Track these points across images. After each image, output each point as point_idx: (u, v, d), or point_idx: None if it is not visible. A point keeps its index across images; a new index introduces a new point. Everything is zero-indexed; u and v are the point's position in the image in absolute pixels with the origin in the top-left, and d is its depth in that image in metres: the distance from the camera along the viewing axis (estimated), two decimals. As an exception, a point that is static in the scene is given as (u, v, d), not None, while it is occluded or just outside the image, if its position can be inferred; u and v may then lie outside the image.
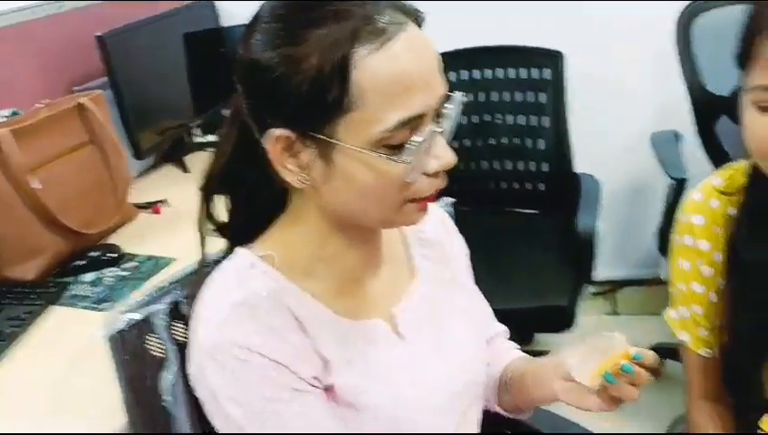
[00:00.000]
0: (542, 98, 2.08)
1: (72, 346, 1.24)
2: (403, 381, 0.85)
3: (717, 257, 0.99)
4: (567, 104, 2.05)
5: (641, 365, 0.82)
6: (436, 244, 0.97)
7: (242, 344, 0.76)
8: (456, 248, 1.02)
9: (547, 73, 2.06)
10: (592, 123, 2.16)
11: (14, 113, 1.56)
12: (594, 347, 0.83)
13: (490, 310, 1.08)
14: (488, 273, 1.95)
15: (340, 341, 0.82)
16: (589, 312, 2.54)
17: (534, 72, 2.07)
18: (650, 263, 2.40)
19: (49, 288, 1.40)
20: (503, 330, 1.10)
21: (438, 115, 0.77)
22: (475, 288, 1.05)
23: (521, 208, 2.18)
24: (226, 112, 0.83)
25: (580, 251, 1.83)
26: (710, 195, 1.00)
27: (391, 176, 0.73)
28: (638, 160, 2.20)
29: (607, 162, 2.15)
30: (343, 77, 0.69)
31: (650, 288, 2.44)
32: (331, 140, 0.72)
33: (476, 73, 2.12)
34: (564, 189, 2.03)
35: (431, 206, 0.98)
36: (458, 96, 0.78)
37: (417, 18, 0.74)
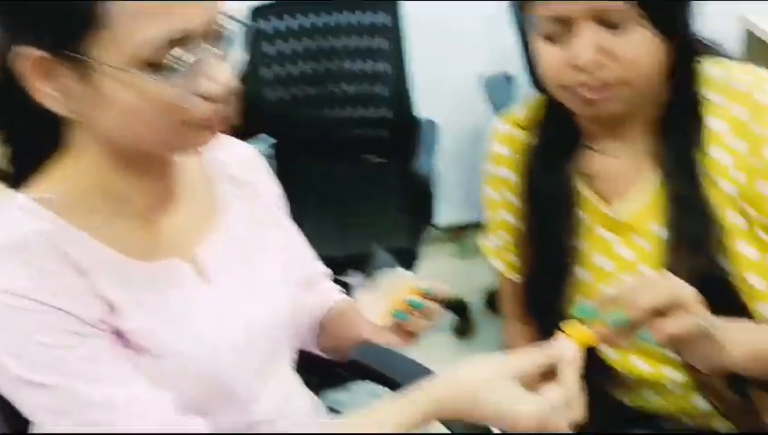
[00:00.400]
0: (381, 44, 2.07)
1: None
2: (205, 323, 0.82)
3: (521, 187, 1.02)
4: (406, 49, 2.06)
5: (432, 299, 0.83)
6: (247, 182, 0.94)
7: (9, 289, 0.71)
8: (268, 188, 0.99)
9: (385, 18, 2.05)
10: (432, 68, 2.18)
11: None
12: (385, 286, 0.84)
13: (311, 252, 1.07)
14: (331, 220, 2.00)
15: (128, 283, 0.78)
16: (438, 256, 2.61)
17: (372, 18, 2.06)
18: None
19: None
20: (325, 272, 1.09)
21: (217, 37, 0.73)
22: (293, 228, 1.04)
23: (365, 156, 2.18)
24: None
25: (420, 195, 1.86)
26: (514, 126, 1.03)
27: (157, 97, 0.69)
28: (475, 103, 2.26)
29: (447, 106, 2.18)
30: None
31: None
32: (87, 59, 0.67)
33: (315, 20, 2.07)
34: (407, 135, 2.04)
35: (232, 140, 0.95)
36: (241, 18, 0.74)
37: None
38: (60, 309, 0.72)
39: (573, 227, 0.95)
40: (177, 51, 0.68)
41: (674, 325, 0.73)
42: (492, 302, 2.31)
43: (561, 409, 0.72)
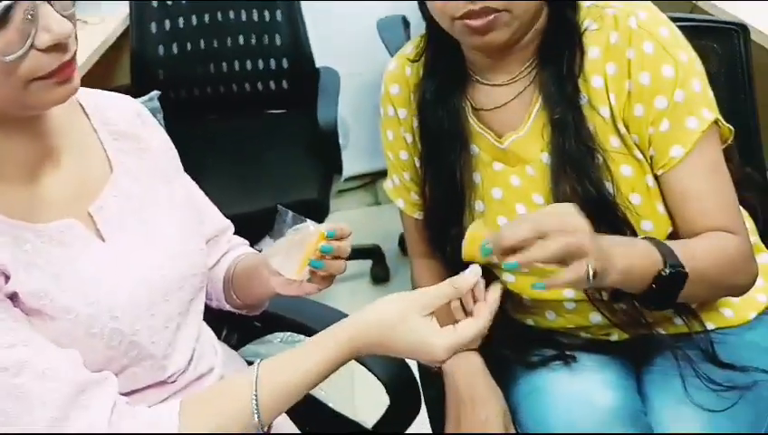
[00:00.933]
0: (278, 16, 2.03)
1: None
2: (101, 281, 0.81)
3: (415, 124, 1.03)
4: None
5: (338, 239, 0.85)
6: (133, 137, 0.92)
7: None
8: (157, 141, 0.96)
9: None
10: (329, 15, 2.14)
11: None
12: (293, 241, 0.86)
13: (213, 208, 1.06)
14: (236, 177, 1.96)
15: (15, 245, 0.75)
16: (352, 205, 2.63)
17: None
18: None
19: None
20: (228, 225, 1.08)
21: None
22: (190, 183, 1.02)
23: (266, 109, 2.14)
24: None
25: (326, 145, 1.85)
26: (404, 64, 1.03)
27: None
28: (374, 50, 2.24)
29: (345, 54, 2.16)
30: None
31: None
32: None
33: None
34: (306, 85, 2.02)
35: (117, 96, 0.91)
36: None
37: None
38: None
39: (468, 161, 0.97)
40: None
41: (569, 274, 0.75)
42: (404, 246, 2.34)
43: (475, 342, 0.76)
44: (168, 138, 0.99)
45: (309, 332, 1.12)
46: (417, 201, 1.09)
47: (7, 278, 0.74)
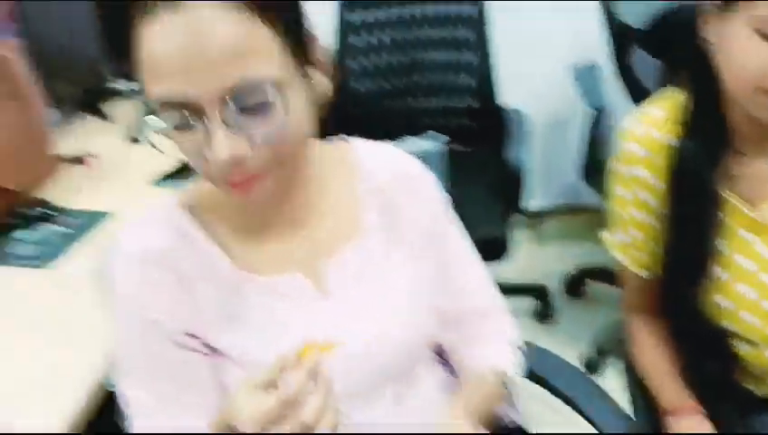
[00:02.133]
0: (467, 34, 2.10)
1: (26, 305, 1.21)
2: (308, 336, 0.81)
3: (658, 185, 1.03)
4: (491, 39, 2.08)
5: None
6: (390, 196, 0.90)
7: (120, 292, 0.81)
8: (418, 211, 0.91)
9: (470, 9, 2.08)
10: (516, 57, 2.20)
11: None
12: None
13: (477, 283, 0.99)
14: None
15: (232, 296, 0.82)
16: (516, 242, 2.65)
17: (458, 8, 2.09)
18: (572, 192, 2.52)
19: (-20, 250, 1.33)
20: (485, 310, 1.00)
21: (238, 104, 0.68)
22: (457, 253, 0.97)
23: (451, 145, 2.22)
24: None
25: (510, 183, 1.90)
26: (651, 125, 1.04)
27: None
28: (557, 92, 2.28)
29: (529, 95, 2.21)
30: (127, 36, 0.69)
31: (573, 216, 2.57)
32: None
33: (401, 11, 2.11)
34: (492, 124, 2.08)
35: (390, 150, 0.94)
36: (268, 89, 0.68)
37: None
38: (155, 320, 0.80)
39: (715, 228, 0.98)
40: (170, 113, 0.69)
41: None
42: (571, 287, 2.35)
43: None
44: (432, 204, 0.94)
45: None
46: (644, 260, 1.10)
47: (212, 329, 0.81)
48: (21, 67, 1.51)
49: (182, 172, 1.53)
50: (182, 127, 0.69)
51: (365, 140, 0.94)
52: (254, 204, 0.78)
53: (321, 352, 0.70)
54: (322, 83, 0.78)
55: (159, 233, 0.82)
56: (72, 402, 1.00)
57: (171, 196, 0.85)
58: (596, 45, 2.02)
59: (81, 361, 1.06)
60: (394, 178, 0.90)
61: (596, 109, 1.87)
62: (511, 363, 0.97)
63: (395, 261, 0.89)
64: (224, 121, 0.67)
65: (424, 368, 0.92)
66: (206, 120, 0.68)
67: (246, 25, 0.67)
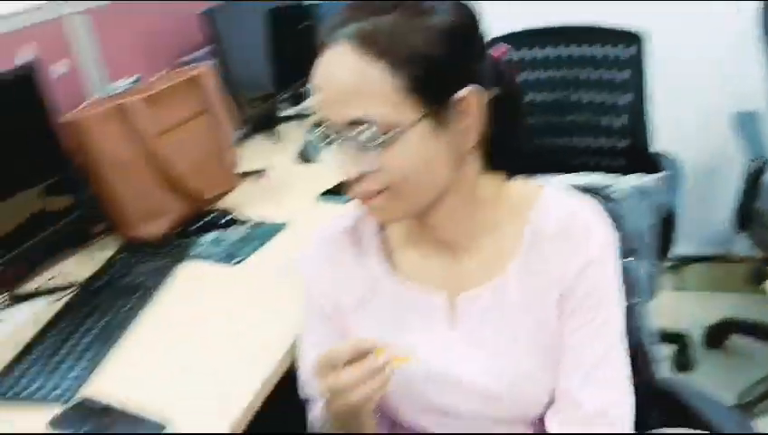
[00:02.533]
0: (623, 76, 2.12)
1: (206, 294, 1.37)
2: (432, 363, 0.89)
3: None
4: (647, 82, 2.09)
5: None
6: (551, 248, 0.87)
7: (304, 270, 0.99)
8: (575, 271, 0.86)
9: (628, 52, 2.10)
10: (670, 101, 2.19)
11: (138, 80, 1.66)
12: None
13: (594, 378, 0.87)
14: None
15: (377, 291, 0.93)
16: (658, 286, 2.61)
17: (616, 51, 2.11)
18: (719, 240, 2.44)
19: (175, 247, 1.51)
20: (599, 411, 0.87)
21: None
22: (581, 331, 0.88)
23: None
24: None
25: (662, 228, 1.89)
26: None
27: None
28: (712, 138, 2.24)
29: (682, 140, 2.19)
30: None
31: (718, 265, 2.49)
32: None
33: (560, 50, 2.16)
34: (641, 166, 2.08)
35: (577, 197, 0.90)
36: (376, 127, 0.78)
37: (355, 39, 0.77)
38: (321, 296, 0.97)
39: None
40: (321, 132, 0.83)
41: None
42: (713, 338, 2.28)
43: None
44: (593, 273, 0.87)
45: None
46: None
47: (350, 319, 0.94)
48: (215, 86, 1.71)
49: (342, 188, 1.66)
50: (329, 143, 0.82)
51: (560, 188, 0.93)
52: (380, 221, 0.90)
53: (393, 358, 0.79)
54: (470, 128, 0.81)
55: (344, 221, 0.97)
56: (255, 384, 1.11)
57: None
58: (758, 93, 1.98)
59: (266, 345, 1.19)
60: (560, 231, 0.87)
61: (756, 157, 1.83)
62: None
63: (531, 313, 0.88)
64: (352, 143, 0.79)
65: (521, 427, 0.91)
66: (341, 140, 0.80)
67: (362, 68, 0.77)
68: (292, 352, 1.10)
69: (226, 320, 1.28)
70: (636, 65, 2.10)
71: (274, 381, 1.14)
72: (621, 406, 0.88)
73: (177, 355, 1.20)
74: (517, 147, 0.90)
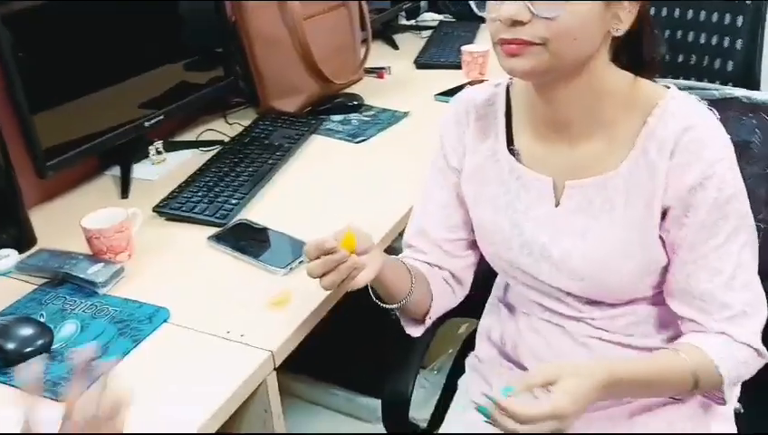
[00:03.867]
0: (739, 21, 2.15)
1: (331, 165, 1.55)
2: (522, 234, 0.99)
3: None
4: (765, 28, 2.12)
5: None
6: (664, 152, 0.90)
7: (441, 127, 1.07)
8: (689, 185, 0.89)
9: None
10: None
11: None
12: None
13: (727, 276, 0.92)
14: None
15: (492, 164, 1.01)
16: None
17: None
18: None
19: (307, 121, 1.70)
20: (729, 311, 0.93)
21: None
22: (694, 237, 0.91)
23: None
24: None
25: None
26: None
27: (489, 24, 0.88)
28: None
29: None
30: None
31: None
32: None
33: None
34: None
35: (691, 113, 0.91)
36: None
37: None
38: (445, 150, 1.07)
39: None
40: None
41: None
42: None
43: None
44: (708, 189, 0.89)
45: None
46: None
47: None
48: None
49: (456, 91, 1.79)
50: None
51: (687, 93, 0.95)
52: (521, 73, 0.88)
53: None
54: (626, 18, 0.87)
55: (480, 94, 1.04)
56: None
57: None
58: None
59: (382, 211, 1.35)
60: (683, 134, 0.89)
61: None
62: (723, 361, 0.91)
63: (625, 211, 0.93)
64: None
65: (621, 309, 0.99)
66: None
67: None
68: (404, 222, 1.21)
69: (349, 187, 1.45)
70: (755, 9, 2.13)
71: (387, 242, 1.31)
72: (761, 302, 0.95)
73: (310, 205, 1.40)
74: (648, 54, 0.94)
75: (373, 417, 1.72)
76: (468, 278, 1.12)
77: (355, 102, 1.79)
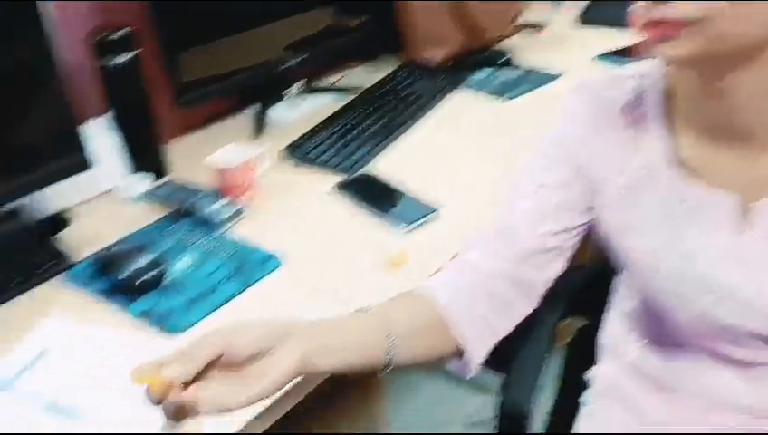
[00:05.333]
0: None
1: (472, 122, 1.45)
2: (709, 267, 0.77)
3: None
4: None
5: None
6: None
7: (566, 110, 0.86)
8: None
9: None
10: None
11: None
12: None
13: None
14: None
15: (658, 193, 0.79)
16: None
17: None
18: None
19: (452, 74, 1.60)
20: None
21: None
22: None
23: None
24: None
25: None
26: None
27: None
28: None
29: None
30: None
31: None
32: None
33: None
34: None
35: None
36: None
37: None
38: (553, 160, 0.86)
39: None
40: None
41: None
42: None
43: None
44: None
45: None
46: None
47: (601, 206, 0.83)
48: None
49: (623, 53, 1.62)
50: None
51: None
52: (673, 59, 0.69)
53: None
54: None
55: (628, 85, 0.81)
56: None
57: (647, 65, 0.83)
58: None
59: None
60: None
61: None
62: None
63: None
64: None
65: None
66: None
67: None
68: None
69: (487, 148, 1.35)
70: None
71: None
72: None
73: (442, 164, 1.31)
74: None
75: (491, 390, 1.64)
76: (541, 292, 0.88)
77: (504, 58, 1.66)
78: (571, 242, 0.87)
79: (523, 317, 0.88)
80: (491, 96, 1.53)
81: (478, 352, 0.84)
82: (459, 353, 0.84)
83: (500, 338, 0.86)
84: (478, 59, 1.66)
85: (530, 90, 1.54)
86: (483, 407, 1.69)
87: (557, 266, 0.87)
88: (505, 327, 0.86)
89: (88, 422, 0.78)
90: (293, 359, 0.65)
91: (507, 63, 1.65)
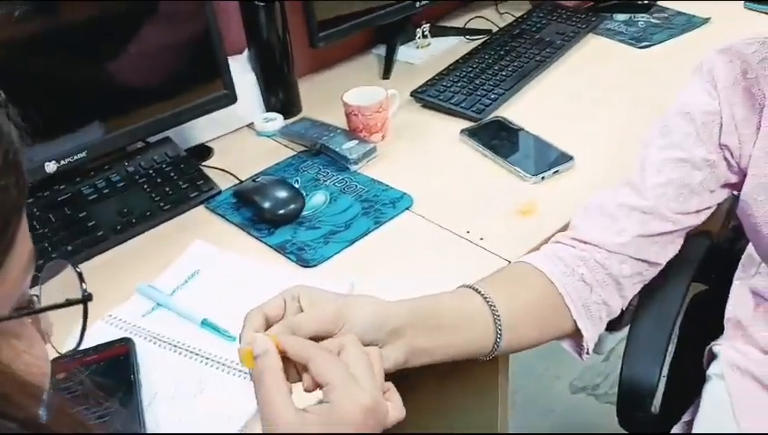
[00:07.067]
0: None
1: (607, 70, 1.39)
2: None
3: None
4: None
5: None
6: None
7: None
8: None
9: None
10: None
11: None
12: None
13: None
14: None
15: None
16: None
17: None
18: None
19: (588, 17, 1.53)
20: None
21: None
22: None
23: None
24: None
25: None
26: None
27: None
28: None
29: None
30: None
31: None
32: None
33: None
34: None
35: None
36: None
37: None
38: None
39: None
40: None
41: None
42: None
43: None
44: None
45: None
46: None
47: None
48: None
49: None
50: None
51: None
52: None
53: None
54: None
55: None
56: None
57: None
58: None
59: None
60: None
61: None
62: None
63: None
64: None
65: None
66: None
67: None
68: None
69: (623, 98, 1.29)
70: None
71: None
72: None
73: (574, 112, 1.27)
74: None
75: (601, 350, 1.62)
76: (658, 270, 0.85)
77: (646, 1, 1.57)
78: (702, 219, 0.84)
79: (637, 291, 0.86)
80: (628, 43, 1.46)
81: (593, 335, 0.82)
82: (572, 335, 0.83)
83: (615, 316, 0.85)
84: (618, 2, 1.58)
85: (672, 36, 1.45)
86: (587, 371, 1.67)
87: (680, 242, 0.85)
88: (621, 305, 0.85)
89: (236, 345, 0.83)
90: (400, 360, 0.65)
91: (649, 7, 1.56)
